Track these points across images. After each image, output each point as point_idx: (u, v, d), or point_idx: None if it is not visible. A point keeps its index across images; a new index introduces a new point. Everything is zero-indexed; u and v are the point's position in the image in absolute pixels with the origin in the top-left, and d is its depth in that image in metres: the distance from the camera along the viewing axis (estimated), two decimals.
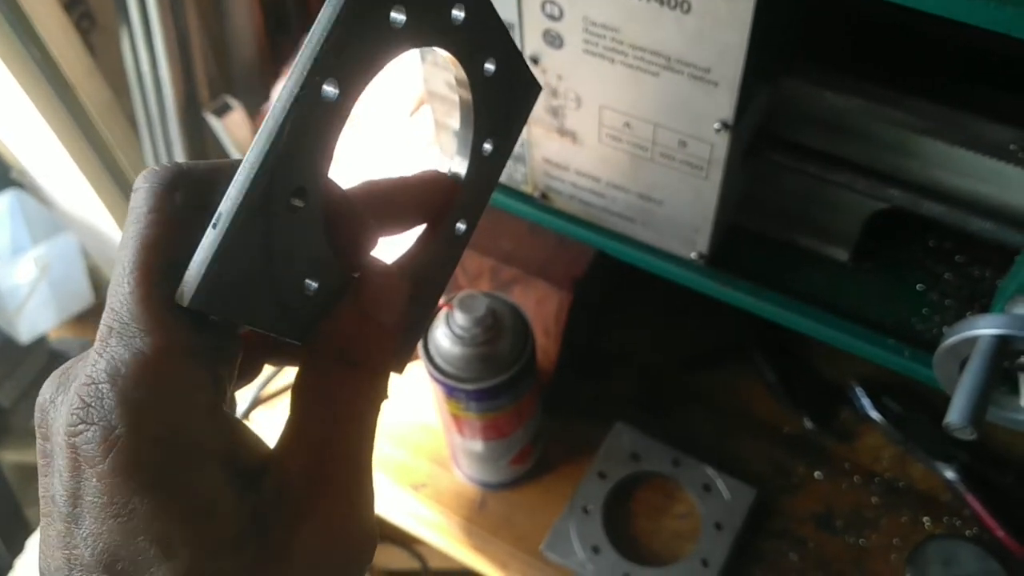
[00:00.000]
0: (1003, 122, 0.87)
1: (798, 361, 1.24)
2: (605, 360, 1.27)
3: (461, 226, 0.52)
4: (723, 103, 0.87)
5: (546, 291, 1.12)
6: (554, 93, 0.98)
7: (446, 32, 0.45)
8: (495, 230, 1.16)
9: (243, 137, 1.56)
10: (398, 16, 0.41)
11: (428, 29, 0.43)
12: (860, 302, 1.08)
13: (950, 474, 1.13)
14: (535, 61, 0.95)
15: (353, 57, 0.39)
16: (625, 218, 1.09)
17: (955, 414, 0.77)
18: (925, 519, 1.12)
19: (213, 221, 0.37)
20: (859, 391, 1.19)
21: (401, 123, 1.30)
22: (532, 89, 0.55)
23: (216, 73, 1.63)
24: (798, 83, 0.97)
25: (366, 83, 0.41)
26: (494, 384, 0.95)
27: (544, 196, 1.13)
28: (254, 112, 1.59)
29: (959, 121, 0.89)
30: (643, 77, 0.89)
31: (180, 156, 1.63)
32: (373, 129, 1.36)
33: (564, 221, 1.14)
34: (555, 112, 1.00)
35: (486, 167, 0.52)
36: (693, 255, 1.08)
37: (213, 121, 1.51)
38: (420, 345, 0.97)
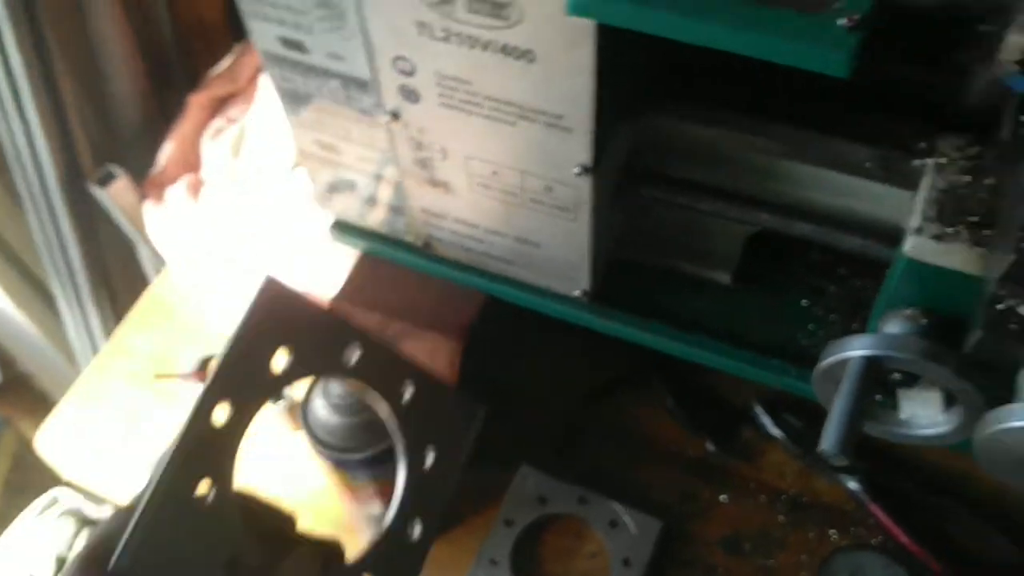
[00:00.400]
0: (858, 141, 0.89)
1: (697, 384, 1.24)
2: (508, 402, 1.27)
3: (416, 529, 0.56)
4: (579, 148, 0.87)
5: (436, 342, 1.11)
6: (419, 146, 0.97)
7: (342, 369, 0.53)
8: (380, 283, 1.15)
9: (129, 204, 1.52)
10: (284, 360, 0.48)
11: (322, 367, 0.54)
12: (746, 324, 1.09)
13: (853, 485, 1.15)
14: (396, 116, 0.95)
15: (241, 393, 0.52)
16: (507, 262, 1.09)
17: (827, 442, 0.78)
18: (832, 532, 1.13)
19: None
20: (759, 409, 1.21)
21: (282, 178, 1.28)
22: (475, 411, 0.62)
23: (100, 140, 1.59)
24: (662, 118, 0.98)
25: (259, 407, 0.54)
26: (380, 451, 0.93)
27: (427, 245, 1.13)
28: (144, 175, 1.56)
29: (817, 143, 0.90)
30: (501, 127, 0.89)
31: (67, 229, 1.58)
32: (254, 185, 1.33)
33: (450, 268, 1.13)
34: (424, 164, 0.99)
35: (431, 478, 0.59)
36: (576, 293, 1.08)
37: (97, 191, 1.48)
38: (301, 417, 0.95)
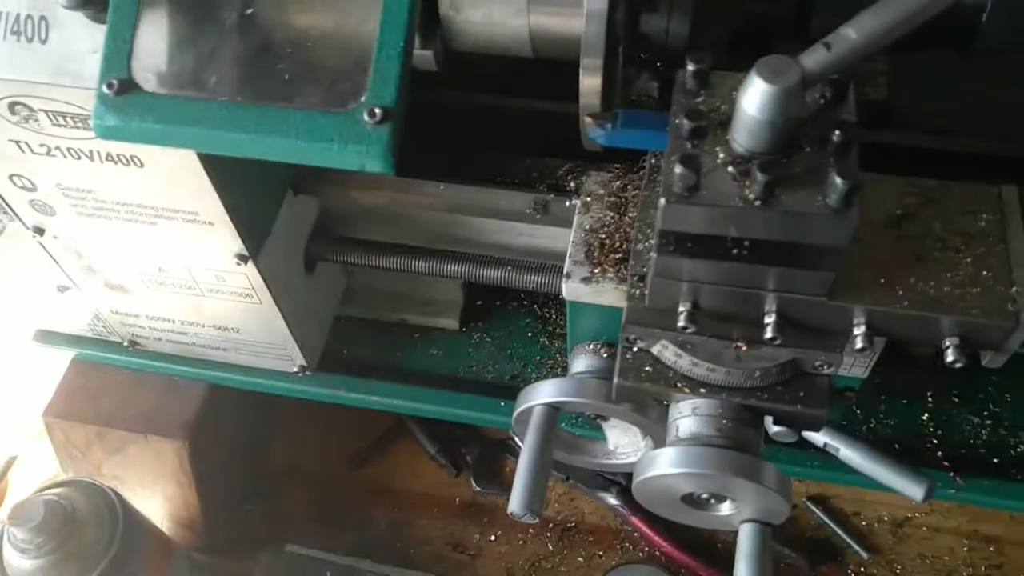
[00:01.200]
0: (515, 188, 0.88)
1: (457, 425, 1.22)
2: (272, 481, 1.22)
3: None
4: (229, 239, 0.83)
5: (160, 444, 1.05)
6: (79, 255, 0.91)
7: None
8: (93, 391, 1.08)
9: None
10: None
11: None
12: (478, 366, 1.07)
13: (613, 500, 1.15)
14: (40, 231, 0.88)
15: None
16: (216, 348, 1.03)
17: (514, 504, 0.77)
18: (599, 553, 1.14)
19: None
20: (516, 440, 1.19)
21: None
22: None
23: None
24: (329, 193, 0.94)
25: None
26: None
27: (133, 344, 1.06)
28: None
29: (475, 195, 0.89)
30: (144, 228, 0.84)
31: None
32: None
33: (165, 363, 1.07)
34: (91, 270, 0.93)
35: None
36: (294, 368, 1.04)
37: None
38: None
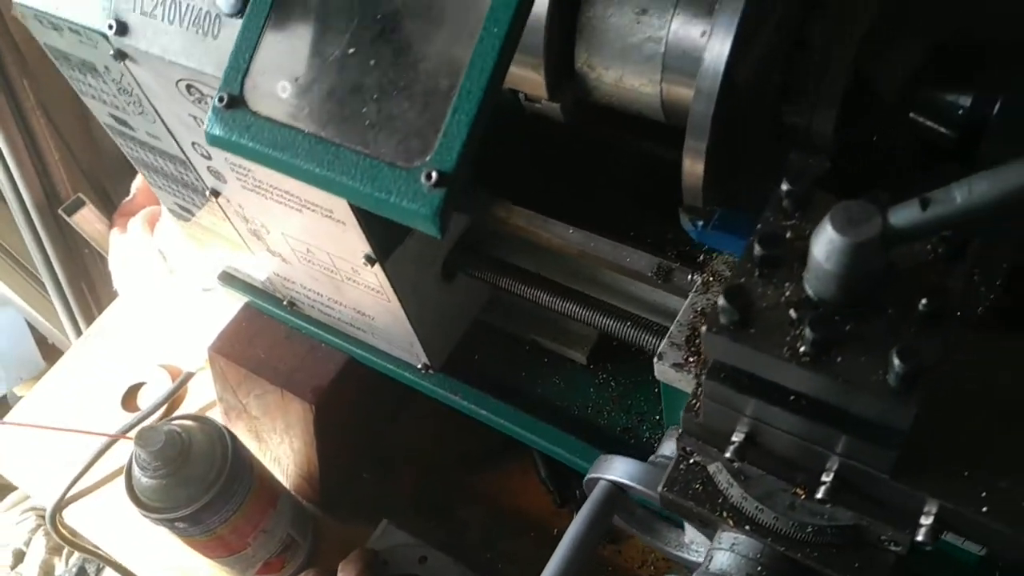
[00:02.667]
0: (642, 247, 0.84)
1: None
2: (389, 460, 1.28)
3: None
4: (358, 240, 0.87)
5: (292, 402, 1.13)
6: (246, 220, 0.99)
7: None
8: (252, 338, 1.18)
9: (95, 231, 1.62)
10: None
11: None
12: (594, 407, 1.05)
13: None
14: (216, 193, 0.97)
15: None
16: (357, 328, 1.09)
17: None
18: None
19: None
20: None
21: None
22: None
23: (89, 168, 1.70)
24: (487, 209, 0.95)
25: None
26: (190, 511, 0.97)
27: (291, 304, 1.15)
28: (119, 203, 1.65)
29: (606, 247, 0.86)
30: (293, 212, 0.90)
31: (49, 247, 1.70)
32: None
33: (314, 327, 1.15)
34: (257, 235, 1.01)
35: None
36: (419, 365, 1.07)
37: (65, 218, 1.58)
38: (125, 483, 0.99)
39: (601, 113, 0.72)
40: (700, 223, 0.61)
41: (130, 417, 1.38)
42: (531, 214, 0.89)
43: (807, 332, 0.47)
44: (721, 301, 0.50)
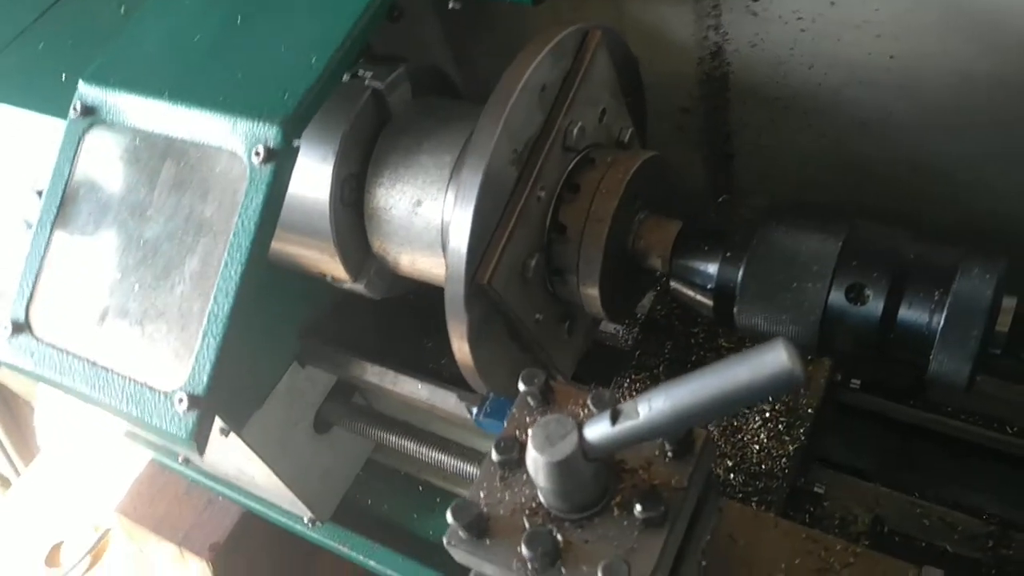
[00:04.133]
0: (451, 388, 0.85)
1: None
2: None
3: None
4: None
5: (191, 560, 1.13)
6: None
7: None
8: (156, 493, 1.19)
9: (20, 385, 1.62)
10: None
11: None
12: None
13: None
14: None
15: None
16: (245, 483, 1.09)
17: None
18: None
19: None
20: None
21: None
22: None
23: None
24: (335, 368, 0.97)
25: None
26: None
27: (187, 461, 1.15)
28: None
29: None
30: None
31: None
32: None
33: (209, 480, 1.15)
34: None
35: None
36: (305, 519, 1.07)
37: None
38: None
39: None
40: (475, 410, 0.62)
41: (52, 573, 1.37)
42: (382, 370, 0.90)
43: (523, 550, 0.48)
44: (449, 517, 0.50)
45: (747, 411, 0.73)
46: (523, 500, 0.52)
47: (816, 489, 0.70)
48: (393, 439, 0.97)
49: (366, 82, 0.69)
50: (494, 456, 0.53)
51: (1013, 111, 0.79)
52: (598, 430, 0.47)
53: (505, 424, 0.56)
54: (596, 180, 0.63)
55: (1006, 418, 0.75)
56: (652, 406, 0.46)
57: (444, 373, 0.93)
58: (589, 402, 0.51)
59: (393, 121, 0.70)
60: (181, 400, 0.57)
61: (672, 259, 0.62)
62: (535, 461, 0.48)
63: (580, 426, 0.47)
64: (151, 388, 0.58)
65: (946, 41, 0.77)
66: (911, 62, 0.80)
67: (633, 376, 0.78)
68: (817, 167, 0.95)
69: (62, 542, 1.43)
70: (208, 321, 0.57)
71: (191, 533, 1.14)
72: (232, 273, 0.56)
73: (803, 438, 0.70)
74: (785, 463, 0.69)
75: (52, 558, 1.42)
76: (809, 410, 0.72)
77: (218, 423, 0.89)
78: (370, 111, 0.69)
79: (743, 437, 0.72)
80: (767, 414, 0.72)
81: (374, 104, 0.69)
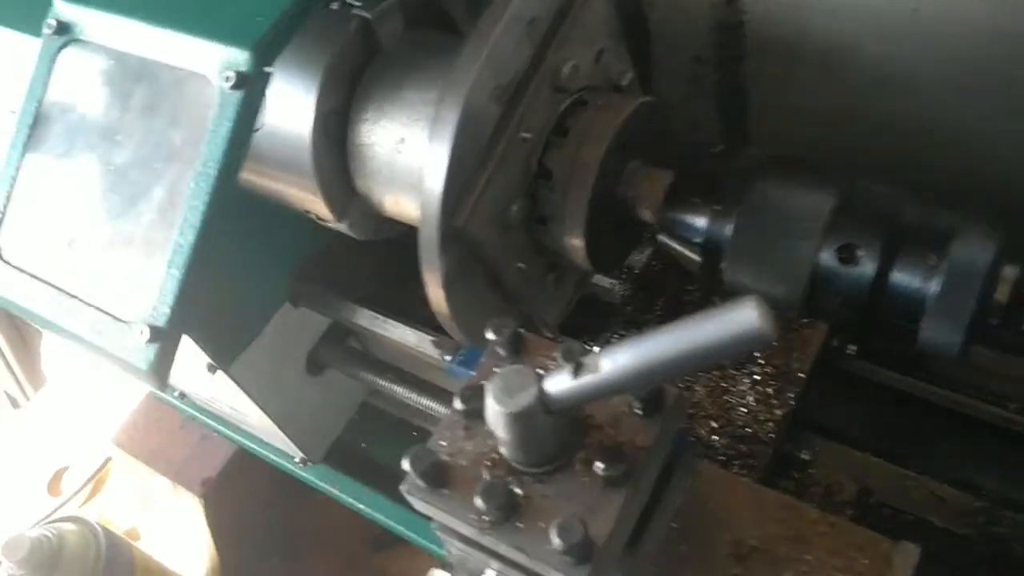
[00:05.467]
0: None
1: None
2: (296, 543, 1.27)
3: None
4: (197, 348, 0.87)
5: (183, 494, 1.14)
6: None
7: None
8: (151, 428, 1.19)
9: None
10: None
11: None
12: None
13: None
14: None
15: None
16: (241, 421, 1.09)
17: None
18: None
19: None
20: None
21: None
22: None
23: None
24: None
25: None
26: None
27: (182, 396, 1.15)
28: None
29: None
30: None
31: None
32: None
33: (204, 416, 1.15)
34: None
35: None
36: (296, 459, 1.07)
37: None
38: None
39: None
40: (448, 358, 0.60)
41: (53, 502, 1.39)
42: (372, 315, 0.89)
43: (478, 501, 0.46)
44: (406, 464, 0.49)
45: (735, 371, 0.71)
46: (484, 451, 0.50)
47: (803, 456, 0.68)
48: (385, 384, 0.96)
49: (354, 10, 0.66)
50: (457, 404, 0.51)
51: None
52: (559, 383, 0.45)
53: (482, 368, 0.54)
54: (587, 125, 0.60)
55: (1007, 393, 0.72)
56: (616, 360, 0.43)
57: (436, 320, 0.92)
58: (559, 355, 0.49)
59: (382, 54, 0.67)
60: (142, 332, 0.55)
61: (663, 211, 0.59)
62: (493, 412, 0.46)
63: (541, 378, 0.45)
64: (114, 318, 0.57)
65: None
66: (935, 14, 0.76)
67: (622, 333, 0.76)
68: (836, 125, 0.91)
69: (66, 468, 1.45)
70: (173, 251, 0.55)
71: (184, 467, 1.15)
72: (198, 203, 0.54)
73: (792, 403, 0.69)
74: (772, 427, 0.68)
75: (54, 486, 1.44)
76: (800, 374, 0.70)
77: (206, 359, 0.89)
78: (358, 42, 0.66)
79: (730, 399, 0.70)
80: (756, 376, 0.70)
81: (362, 35, 0.66)
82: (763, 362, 0.71)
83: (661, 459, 0.51)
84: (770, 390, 0.69)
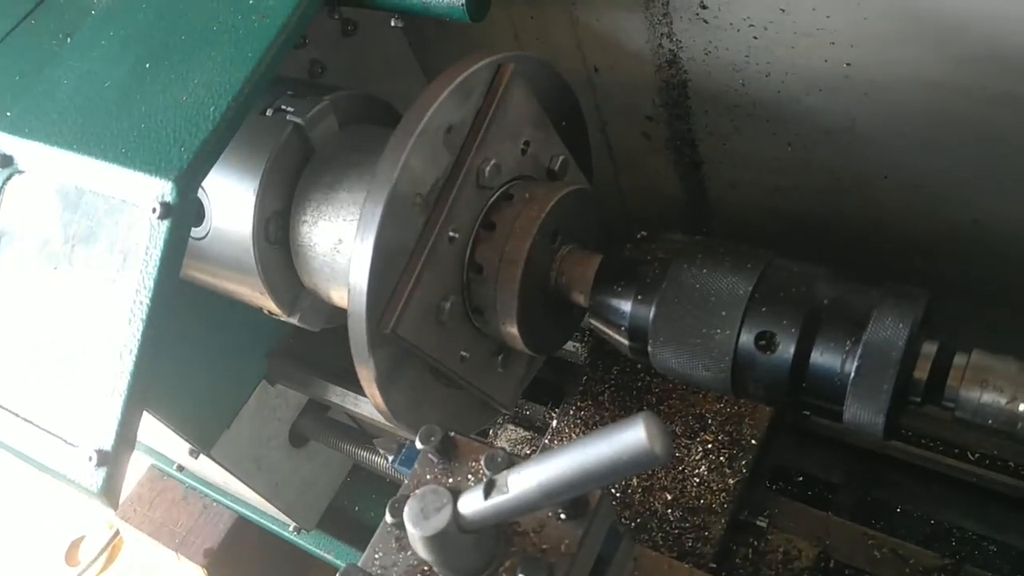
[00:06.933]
0: None
1: None
2: None
3: None
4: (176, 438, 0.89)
5: (187, 564, 1.16)
6: None
7: None
8: (155, 497, 1.22)
9: None
10: None
11: None
12: None
13: None
14: None
15: None
16: (238, 490, 1.11)
17: None
18: None
19: None
20: None
21: None
22: None
23: None
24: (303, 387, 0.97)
25: None
26: None
27: (180, 468, 1.18)
28: None
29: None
30: None
31: None
32: None
33: (203, 487, 1.18)
34: None
35: None
36: (290, 527, 1.09)
37: None
38: None
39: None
40: (390, 457, 0.61)
41: (72, 572, 1.42)
42: (343, 391, 0.90)
43: None
44: None
45: (689, 441, 0.71)
46: (415, 563, 0.52)
47: (759, 523, 0.68)
48: (365, 455, 0.98)
49: (288, 116, 0.68)
50: (388, 518, 0.52)
51: (980, 120, 0.74)
52: (471, 503, 0.46)
53: (416, 476, 0.55)
54: (512, 218, 0.61)
55: (969, 444, 0.72)
56: (524, 480, 0.44)
57: None
58: (483, 463, 0.50)
59: (317, 156, 0.69)
60: (91, 457, 0.57)
61: (592, 295, 0.60)
62: (411, 535, 0.47)
63: (456, 498, 0.46)
64: (64, 441, 0.59)
65: (905, 49, 0.72)
66: (870, 70, 0.76)
67: (579, 403, 0.77)
68: (787, 175, 0.92)
69: (83, 537, 1.48)
70: (114, 376, 0.57)
71: (187, 538, 1.17)
72: (134, 330, 0.56)
73: (745, 471, 0.68)
74: (725, 498, 0.68)
75: (72, 556, 1.48)
76: (753, 441, 0.70)
77: (188, 445, 0.91)
78: (292, 147, 0.68)
79: (683, 469, 0.70)
80: (709, 444, 0.71)
81: (296, 139, 0.68)
82: (715, 430, 0.71)
83: (591, 560, 0.52)
84: (723, 458, 0.69)
